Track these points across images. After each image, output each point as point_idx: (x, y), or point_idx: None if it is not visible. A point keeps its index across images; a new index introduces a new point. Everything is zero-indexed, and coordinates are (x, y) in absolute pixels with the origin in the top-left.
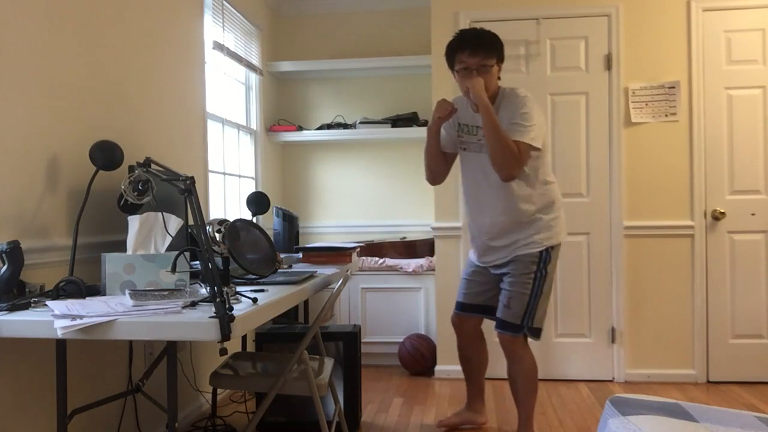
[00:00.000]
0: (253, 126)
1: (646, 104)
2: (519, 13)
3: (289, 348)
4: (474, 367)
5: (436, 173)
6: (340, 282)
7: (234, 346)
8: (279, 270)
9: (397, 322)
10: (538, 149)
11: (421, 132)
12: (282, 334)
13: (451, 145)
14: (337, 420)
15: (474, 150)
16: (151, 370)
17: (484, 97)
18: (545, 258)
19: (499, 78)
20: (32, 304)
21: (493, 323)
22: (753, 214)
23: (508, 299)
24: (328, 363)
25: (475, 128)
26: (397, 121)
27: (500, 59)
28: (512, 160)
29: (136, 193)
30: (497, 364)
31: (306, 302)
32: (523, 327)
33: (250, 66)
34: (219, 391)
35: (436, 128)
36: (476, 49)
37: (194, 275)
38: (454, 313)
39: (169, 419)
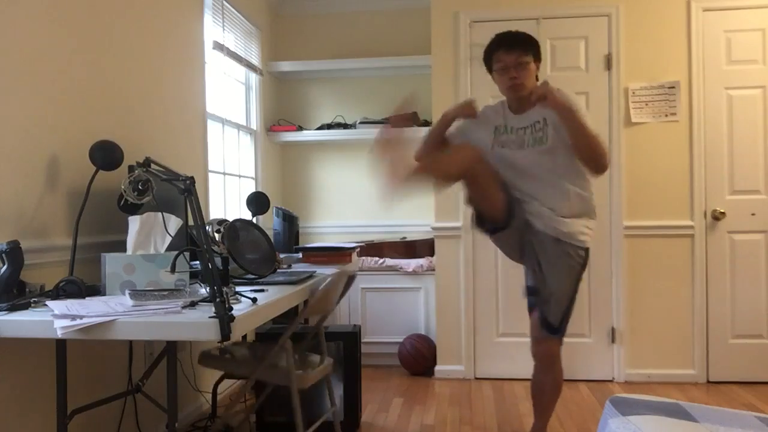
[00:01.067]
0: (253, 126)
1: (646, 104)
2: (519, 13)
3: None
4: None
5: (427, 151)
6: (331, 277)
7: None
8: (278, 270)
9: (397, 322)
10: None
11: (420, 132)
12: (282, 334)
13: (462, 140)
14: (337, 420)
15: (514, 147)
16: (151, 370)
17: (563, 100)
18: (586, 257)
19: (537, 78)
20: (32, 304)
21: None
22: (753, 214)
23: (548, 295)
24: (326, 362)
25: (514, 129)
26: None
27: (537, 58)
28: (604, 151)
29: (136, 193)
30: (498, 363)
31: (306, 302)
32: (561, 329)
33: (250, 66)
34: (219, 391)
35: (452, 118)
36: (512, 46)
37: (194, 275)
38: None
39: (169, 419)
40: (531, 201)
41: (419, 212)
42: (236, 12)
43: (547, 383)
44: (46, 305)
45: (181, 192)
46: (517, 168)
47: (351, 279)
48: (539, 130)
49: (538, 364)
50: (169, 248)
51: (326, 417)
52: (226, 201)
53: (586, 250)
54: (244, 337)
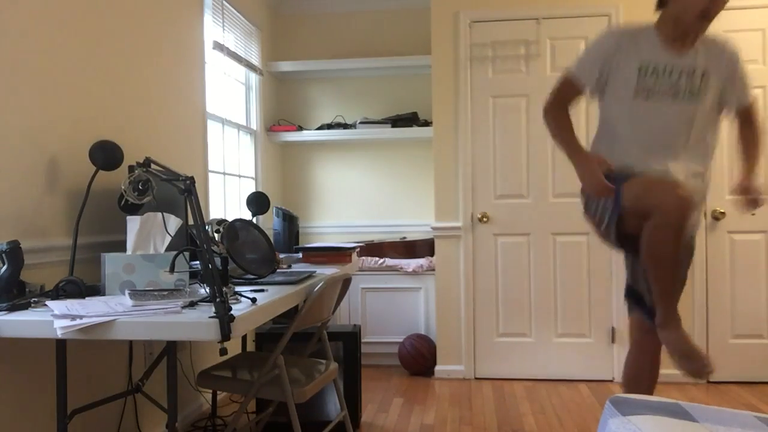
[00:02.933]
0: (253, 126)
1: None
2: (519, 13)
3: (289, 348)
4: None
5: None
6: (321, 284)
7: (234, 346)
8: (278, 270)
9: (397, 322)
10: None
11: (420, 132)
12: (282, 335)
13: (595, 87)
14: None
15: (665, 98)
16: (151, 370)
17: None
18: None
19: None
20: (32, 304)
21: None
22: (753, 214)
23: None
24: (331, 367)
25: (666, 70)
26: (397, 121)
27: None
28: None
29: (136, 193)
30: (498, 363)
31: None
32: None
33: (250, 66)
34: (219, 391)
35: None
36: None
37: (194, 275)
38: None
39: (169, 419)
40: (694, 179)
41: (419, 212)
42: (236, 12)
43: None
44: (46, 305)
45: (181, 192)
46: (671, 131)
47: (347, 282)
48: (697, 78)
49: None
50: (169, 248)
51: (336, 421)
52: (226, 201)
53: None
54: (244, 337)
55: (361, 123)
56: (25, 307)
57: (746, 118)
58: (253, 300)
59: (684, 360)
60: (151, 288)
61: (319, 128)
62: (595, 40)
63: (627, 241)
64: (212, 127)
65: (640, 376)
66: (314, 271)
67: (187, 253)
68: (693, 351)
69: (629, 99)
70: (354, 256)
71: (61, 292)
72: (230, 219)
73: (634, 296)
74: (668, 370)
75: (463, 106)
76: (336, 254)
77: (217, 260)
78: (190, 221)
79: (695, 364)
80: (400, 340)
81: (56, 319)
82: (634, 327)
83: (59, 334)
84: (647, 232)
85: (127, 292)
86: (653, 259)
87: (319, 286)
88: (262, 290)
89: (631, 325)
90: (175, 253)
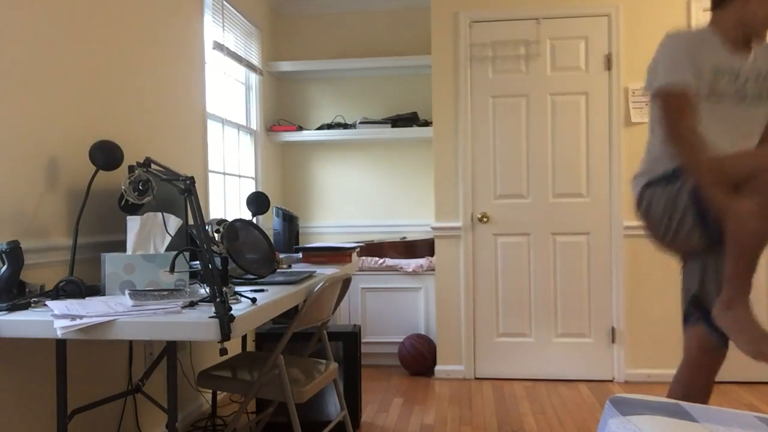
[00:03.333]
0: (253, 126)
1: (646, 104)
2: (519, 13)
3: (289, 348)
4: None
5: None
6: (320, 285)
7: (234, 346)
8: (278, 270)
9: (397, 322)
10: None
11: (420, 132)
12: (282, 335)
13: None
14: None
15: (731, 103)
16: (151, 370)
17: None
18: None
19: None
20: (32, 304)
21: None
22: None
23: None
24: (331, 367)
25: (734, 73)
26: (397, 121)
27: None
28: None
29: (136, 193)
30: (498, 363)
31: (305, 302)
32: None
33: (250, 66)
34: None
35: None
36: None
37: (194, 275)
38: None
39: (169, 419)
40: None
41: (419, 212)
42: (236, 12)
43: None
44: (46, 305)
45: (181, 192)
46: (741, 132)
47: (347, 282)
48: (762, 81)
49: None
50: (169, 248)
51: (336, 421)
52: (226, 201)
53: None
54: (244, 337)
55: (361, 123)
56: (25, 307)
57: None
58: (253, 300)
59: (753, 343)
60: (151, 288)
61: (319, 128)
62: (668, 45)
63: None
64: (212, 127)
65: (694, 397)
66: (314, 271)
67: (187, 253)
68: (763, 333)
69: (701, 103)
70: (354, 256)
71: (61, 292)
72: (230, 219)
73: (700, 308)
74: (668, 370)
75: (463, 106)
76: (336, 254)
77: (217, 260)
78: (190, 221)
79: (765, 347)
80: (400, 340)
81: (56, 319)
82: (694, 344)
83: (59, 334)
84: (743, 220)
85: (127, 292)
86: (743, 247)
87: (319, 286)
88: (262, 290)
89: (689, 342)
90: (175, 253)
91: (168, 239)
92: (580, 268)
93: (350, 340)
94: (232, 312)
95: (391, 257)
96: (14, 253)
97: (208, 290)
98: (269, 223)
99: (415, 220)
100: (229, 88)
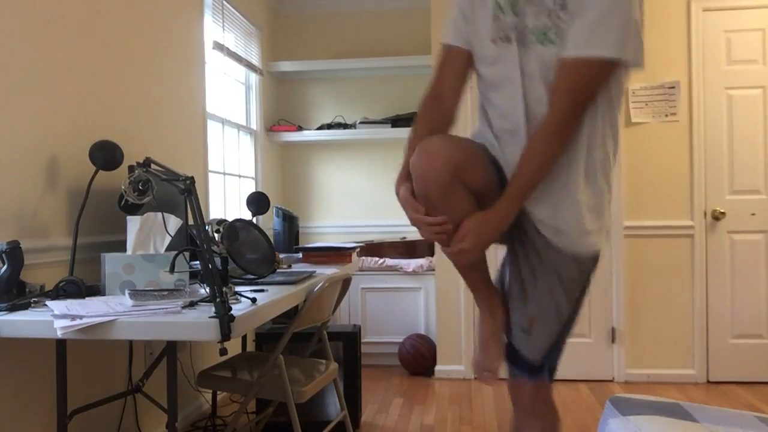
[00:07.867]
0: (253, 126)
1: (646, 104)
2: None
3: (289, 348)
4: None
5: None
6: (320, 285)
7: (234, 346)
8: (278, 270)
9: (397, 322)
10: None
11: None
12: (282, 335)
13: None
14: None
15: (508, 42)
16: (151, 370)
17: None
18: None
19: None
20: (32, 304)
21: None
22: (753, 214)
23: (531, 319)
24: (331, 367)
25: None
26: (397, 121)
27: None
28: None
29: (136, 193)
30: None
31: (305, 302)
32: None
33: (250, 66)
34: (219, 391)
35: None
36: None
37: (194, 275)
38: None
39: (169, 419)
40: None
41: None
42: (236, 12)
43: None
44: (46, 305)
45: (181, 192)
46: (510, 84)
47: (347, 282)
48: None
49: (519, 413)
50: (169, 248)
51: (336, 421)
52: (226, 201)
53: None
54: (244, 337)
55: (361, 123)
56: (25, 307)
57: None
58: (253, 300)
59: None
60: (151, 288)
61: (319, 128)
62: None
63: None
64: (212, 127)
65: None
66: (314, 271)
67: (187, 253)
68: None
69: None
70: (354, 256)
71: (61, 292)
72: (230, 219)
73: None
74: (668, 370)
75: (462, 106)
76: (336, 254)
77: (217, 260)
78: (190, 221)
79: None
80: (400, 340)
81: (56, 319)
82: None
83: (59, 334)
84: None
85: (127, 292)
86: None
87: (319, 286)
88: (262, 290)
89: None
90: (175, 253)
91: (168, 239)
92: None
93: (350, 340)
94: (232, 312)
95: (391, 257)
96: (14, 253)
97: (208, 290)
98: (269, 223)
99: None
100: (229, 88)
